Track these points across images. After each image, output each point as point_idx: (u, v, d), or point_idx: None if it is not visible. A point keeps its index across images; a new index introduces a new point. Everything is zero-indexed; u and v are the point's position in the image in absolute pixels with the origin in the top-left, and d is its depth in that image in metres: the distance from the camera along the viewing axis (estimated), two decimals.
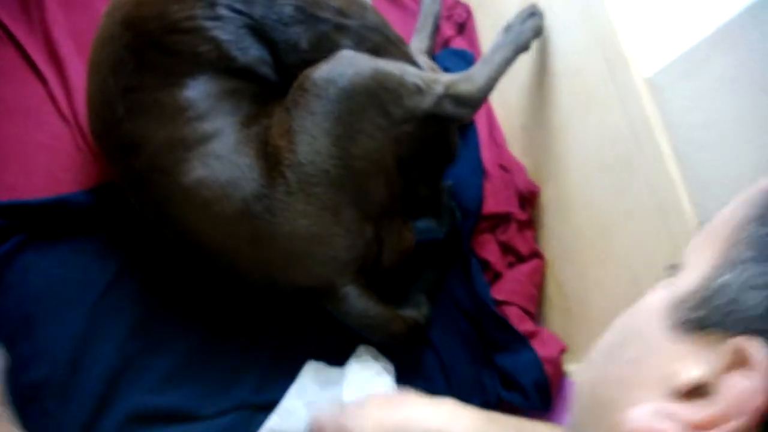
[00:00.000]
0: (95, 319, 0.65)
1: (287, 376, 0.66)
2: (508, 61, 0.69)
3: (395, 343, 0.67)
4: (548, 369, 0.70)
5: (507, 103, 0.88)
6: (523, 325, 0.73)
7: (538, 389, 0.69)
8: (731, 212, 0.29)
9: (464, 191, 0.79)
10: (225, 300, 0.70)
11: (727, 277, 0.26)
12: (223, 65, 0.59)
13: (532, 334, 0.73)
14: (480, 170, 0.81)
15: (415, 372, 0.71)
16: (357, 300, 0.63)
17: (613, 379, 0.28)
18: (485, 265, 0.78)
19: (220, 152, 0.58)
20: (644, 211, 0.60)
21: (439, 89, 0.61)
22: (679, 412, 0.24)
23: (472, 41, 0.94)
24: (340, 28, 0.62)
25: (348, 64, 0.57)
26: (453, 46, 0.92)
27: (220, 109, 0.59)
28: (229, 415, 0.65)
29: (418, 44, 0.87)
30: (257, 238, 0.59)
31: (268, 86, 0.62)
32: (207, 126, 0.59)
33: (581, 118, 0.71)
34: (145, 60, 0.58)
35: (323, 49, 0.60)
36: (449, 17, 0.94)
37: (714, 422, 0.22)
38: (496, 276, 0.78)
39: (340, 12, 0.62)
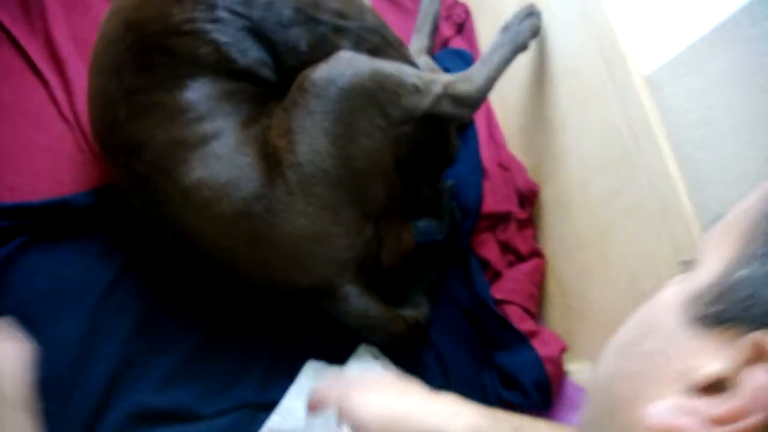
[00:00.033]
0: (97, 320, 0.66)
1: (287, 375, 0.67)
2: (507, 61, 0.69)
3: (395, 342, 0.67)
4: (549, 368, 0.70)
5: (506, 103, 0.88)
6: (524, 324, 0.74)
7: (538, 388, 0.69)
8: (747, 207, 0.29)
9: (464, 190, 0.79)
10: (226, 300, 0.70)
11: (744, 271, 0.26)
12: (224, 67, 0.60)
13: (533, 333, 0.74)
14: (479, 169, 0.81)
15: (415, 371, 0.70)
16: (357, 300, 0.64)
17: (629, 375, 0.28)
18: (485, 264, 0.78)
19: (221, 153, 0.59)
20: (644, 210, 0.60)
21: (437, 89, 0.62)
22: (698, 407, 0.24)
23: (471, 41, 0.94)
24: (339, 29, 0.62)
25: (347, 65, 0.58)
26: (452, 46, 0.92)
27: (220, 111, 0.60)
28: (229, 414, 0.65)
29: (417, 44, 0.87)
30: (257, 238, 0.59)
31: (268, 88, 0.63)
32: (207, 127, 0.59)
33: (580, 117, 0.71)
34: (146, 62, 0.59)
35: (322, 51, 0.60)
36: (448, 17, 0.94)
37: (734, 417, 0.22)
38: (496, 275, 0.78)
39: (339, 14, 0.62)
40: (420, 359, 0.72)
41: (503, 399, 0.70)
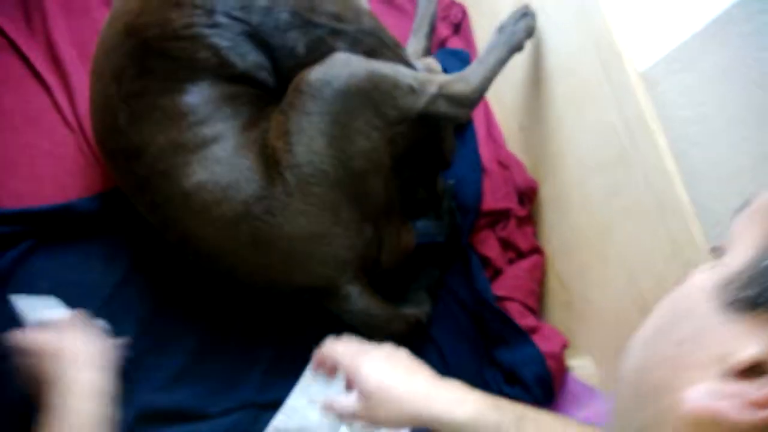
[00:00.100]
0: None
1: (290, 375, 0.67)
2: (503, 61, 0.69)
3: (397, 340, 0.68)
4: (550, 364, 0.71)
5: (503, 103, 0.88)
6: (525, 321, 0.74)
7: (540, 384, 0.69)
8: None
9: (463, 188, 0.80)
10: (229, 301, 0.71)
11: None
12: (223, 71, 0.60)
13: (534, 330, 0.74)
14: (479, 167, 0.82)
15: None
16: (358, 299, 0.64)
17: (660, 363, 0.28)
18: (485, 261, 0.78)
19: (221, 156, 0.59)
20: (641, 208, 0.61)
21: (432, 89, 0.62)
22: (736, 391, 0.24)
23: (469, 41, 0.95)
24: (335, 32, 0.63)
25: (343, 66, 0.58)
26: (449, 46, 0.93)
27: (220, 114, 0.60)
28: (233, 414, 0.66)
29: (415, 45, 0.87)
30: (258, 239, 0.60)
31: (267, 91, 0.63)
32: (207, 130, 0.60)
33: (577, 116, 0.71)
34: (146, 67, 0.60)
35: (319, 54, 0.61)
36: (445, 17, 0.95)
37: None
38: (497, 272, 0.79)
39: (335, 17, 0.63)
40: (422, 356, 0.72)
41: (505, 394, 0.71)
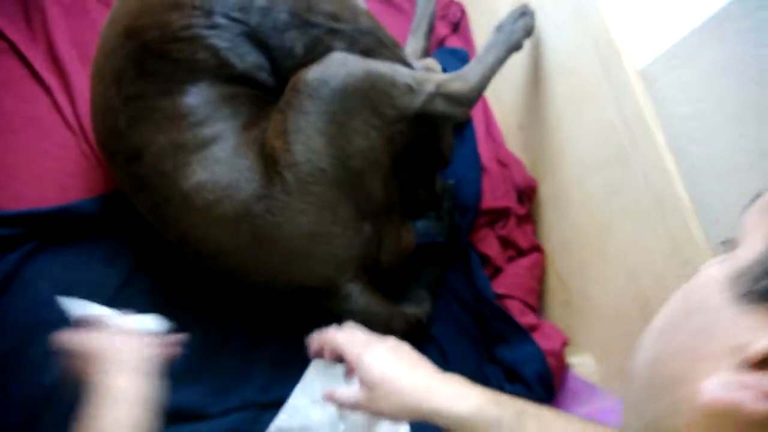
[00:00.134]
0: None
1: (292, 374, 0.67)
2: (501, 60, 0.69)
3: (397, 339, 0.68)
4: (551, 361, 0.71)
5: (503, 103, 0.88)
6: (525, 318, 0.74)
7: (540, 381, 0.70)
8: None
9: (463, 187, 0.80)
10: (230, 300, 0.71)
11: None
12: (222, 72, 0.61)
13: (534, 327, 0.74)
14: (478, 166, 0.82)
15: None
16: (359, 298, 0.65)
17: (674, 355, 0.28)
18: (485, 259, 0.79)
19: (221, 156, 0.60)
20: (640, 206, 0.61)
21: (430, 88, 0.62)
22: (752, 381, 0.24)
23: (467, 40, 0.95)
24: (333, 32, 0.63)
25: (340, 65, 0.59)
26: (448, 45, 0.93)
27: (219, 114, 0.61)
28: (235, 413, 0.66)
29: (414, 45, 0.88)
30: (258, 238, 0.60)
31: (266, 91, 0.63)
32: (207, 131, 0.60)
33: (576, 115, 0.71)
34: (146, 68, 0.60)
35: (317, 54, 0.61)
36: (444, 16, 0.95)
37: None
38: (497, 270, 0.79)
39: (333, 16, 0.63)
40: (422, 355, 0.73)
41: (506, 392, 0.71)
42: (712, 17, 0.51)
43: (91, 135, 0.71)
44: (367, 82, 0.59)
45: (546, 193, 0.81)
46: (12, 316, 0.65)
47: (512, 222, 0.80)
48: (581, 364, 0.74)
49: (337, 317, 0.67)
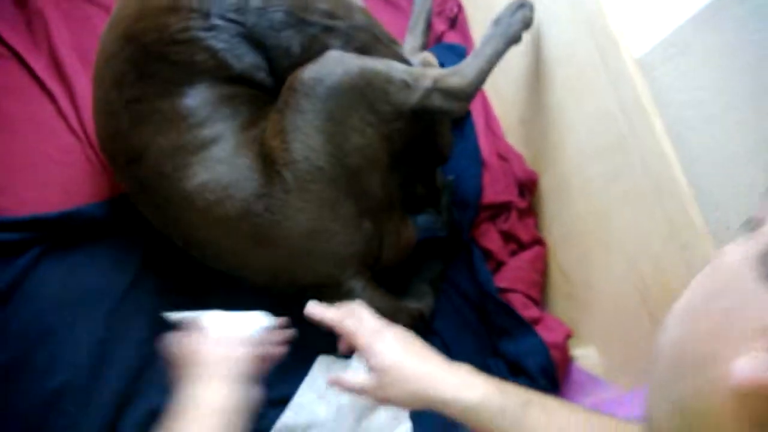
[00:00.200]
0: (112, 325, 0.68)
1: (297, 371, 0.68)
2: (499, 54, 0.69)
3: None
4: (554, 354, 0.71)
5: (502, 97, 0.88)
6: (528, 312, 0.74)
7: (544, 374, 0.70)
8: None
9: (463, 182, 0.80)
10: (236, 299, 0.71)
11: None
12: (220, 73, 0.61)
13: (537, 320, 0.74)
14: (478, 161, 0.82)
15: None
16: (361, 294, 0.65)
17: (702, 336, 0.28)
18: (487, 254, 0.79)
19: (221, 156, 0.60)
20: (640, 193, 0.61)
21: (426, 83, 0.62)
22: None
23: (465, 35, 0.95)
24: (328, 29, 0.63)
25: (336, 64, 0.59)
26: (446, 40, 0.93)
27: (219, 115, 0.61)
28: None
29: (412, 43, 0.88)
30: (259, 237, 0.60)
31: (265, 91, 0.64)
32: (207, 132, 0.61)
33: (575, 105, 0.71)
34: (145, 71, 0.61)
35: (314, 53, 0.61)
36: (441, 12, 0.95)
37: None
38: (499, 265, 0.79)
39: (328, 14, 0.64)
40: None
41: None
42: (708, 5, 0.51)
43: (94, 139, 0.72)
44: (362, 80, 0.59)
45: (547, 185, 0.81)
46: (18, 322, 0.65)
47: (514, 216, 0.80)
48: (584, 356, 0.74)
49: None
